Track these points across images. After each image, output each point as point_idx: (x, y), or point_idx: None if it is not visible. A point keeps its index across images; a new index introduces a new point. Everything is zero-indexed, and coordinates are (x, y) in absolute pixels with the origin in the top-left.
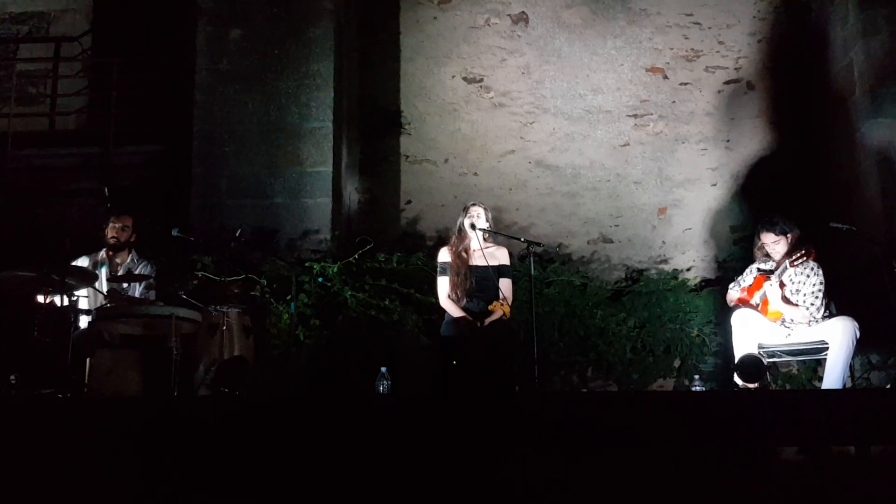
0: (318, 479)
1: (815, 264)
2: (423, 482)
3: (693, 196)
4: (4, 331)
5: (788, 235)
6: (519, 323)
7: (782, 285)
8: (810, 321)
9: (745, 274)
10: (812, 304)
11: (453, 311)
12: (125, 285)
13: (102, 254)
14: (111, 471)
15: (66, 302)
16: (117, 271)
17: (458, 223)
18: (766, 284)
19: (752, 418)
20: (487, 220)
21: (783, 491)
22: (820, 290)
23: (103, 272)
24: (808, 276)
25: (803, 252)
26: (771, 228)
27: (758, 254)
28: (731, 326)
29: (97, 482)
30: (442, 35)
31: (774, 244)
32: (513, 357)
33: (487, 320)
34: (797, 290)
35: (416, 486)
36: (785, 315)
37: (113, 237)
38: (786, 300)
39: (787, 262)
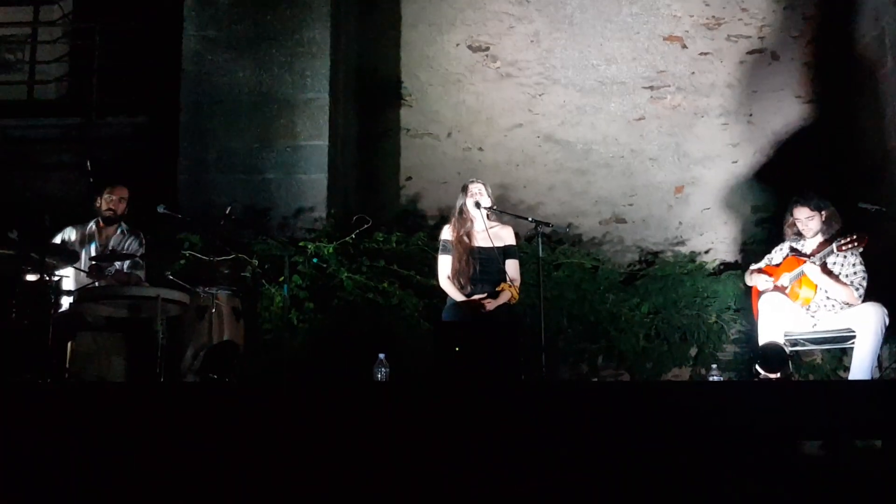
0: (312, 471)
1: None
2: (423, 475)
3: (712, 174)
4: None
5: (823, 212)
6: (525, 308)
7: (825, 266)
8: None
9: (773, 252)
10: (861, 286)
11: (453, 293)
12: (115, 264)
13: (92, 226)
14: (92, 460)
15: (47, 280)
16: (107, 245)
17: (457, 205)
18: (808, 264)
19: (773, 410)
20: (489, 197)
21: (804, 487)
22: (864, 273)
23: (92, 247)
24: (845, 256)
25: (855, 238)
26: (806, 202)
27: (788, 231)
28: (758, 311)
29: (77, 472)
30: (446, 0)
31: (809, 220)
32: (518, 344)
33: (494, 304)
34: (839, 273)
35: (414, 479)
36: (829, 294)
37: (109, 209)
38: (830, 274)
39: (834, 245)
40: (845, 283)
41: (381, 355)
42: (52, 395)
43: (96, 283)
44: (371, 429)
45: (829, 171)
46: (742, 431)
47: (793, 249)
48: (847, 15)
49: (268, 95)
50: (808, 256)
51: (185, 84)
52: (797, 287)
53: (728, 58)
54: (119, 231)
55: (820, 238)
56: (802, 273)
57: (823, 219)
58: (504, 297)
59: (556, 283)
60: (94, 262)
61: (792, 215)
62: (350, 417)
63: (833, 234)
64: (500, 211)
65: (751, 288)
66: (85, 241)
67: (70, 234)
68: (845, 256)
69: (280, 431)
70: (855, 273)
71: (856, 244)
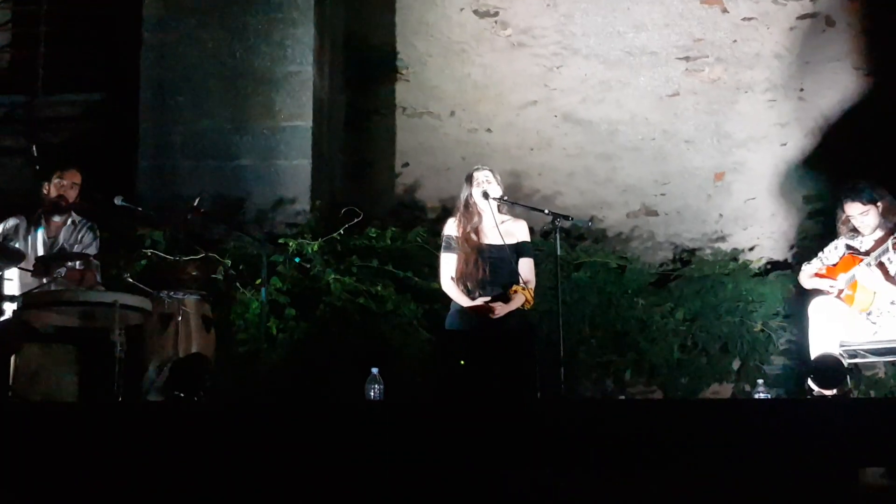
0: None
1: None
2: None
3: (758, 158)
4: None
5: (878, 204)
6: (541, 314)
7: (882, 268)
8: None
9: (827, 250)
10: None
11: (458, 297)
12: (67, 265)
13: (39, 215)
14: (39, 492)
15: None
16: (56, 237)
17: (462, 197)
18: (861, 267)
19: (829, 433)
20: (499, 185)
21: None
22: None
23: (39, 236)
24: None
25: None
26: (857, 197)
27: (842, 228)
28: (808, 317)
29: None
30: None
31: (863, 216)
32: (534, 356)
33: (506, 309)
34: None
35: None
36: (891, 296)
37: (59, 196)
38: (891, 278)
39: (889, 242)
40: None
41: (375, 370)
42: None
43: (44, 281)
44: (362, 455)
45: (892, 153)
46: (792, 457)
47: (849, 247)
48: None
49: (242, 69)
50: (867, 255)
51: (146, 56)
52: (853, 290)
53: (775, 24)
54: (70, 222)
55: (880, 233)
56: (854, 276)
57: (881, 211)
58: (517, 302)
59: (577, 285)
60: (39, 260)
61: (844, 211)
62: (338, 442)
63: (892, 228)
64: (512, 202)
65: (806, 291)
66: (30, 232)
67: (11, 225)
68: None
69: (256, 459)
70: None
71: None
